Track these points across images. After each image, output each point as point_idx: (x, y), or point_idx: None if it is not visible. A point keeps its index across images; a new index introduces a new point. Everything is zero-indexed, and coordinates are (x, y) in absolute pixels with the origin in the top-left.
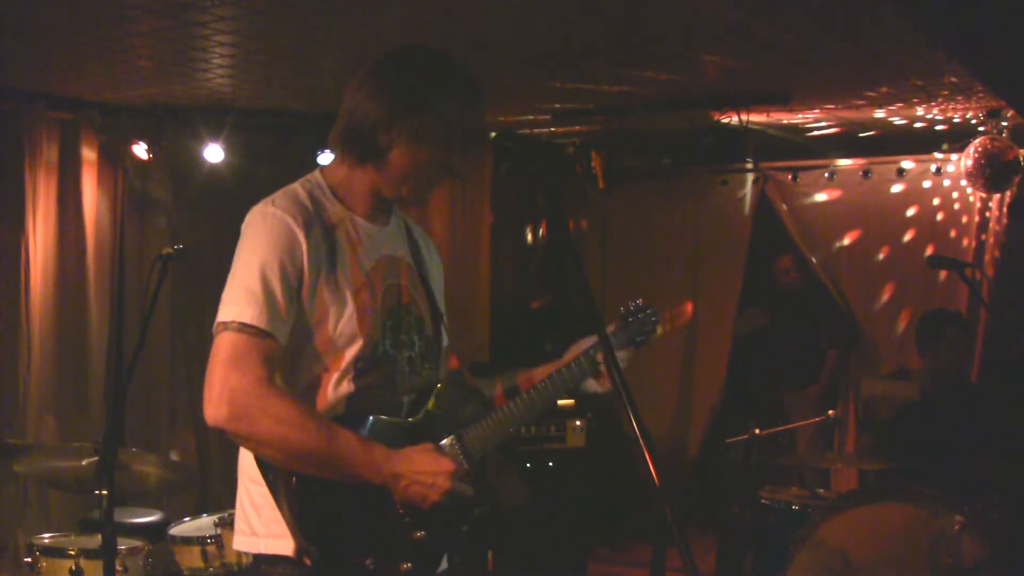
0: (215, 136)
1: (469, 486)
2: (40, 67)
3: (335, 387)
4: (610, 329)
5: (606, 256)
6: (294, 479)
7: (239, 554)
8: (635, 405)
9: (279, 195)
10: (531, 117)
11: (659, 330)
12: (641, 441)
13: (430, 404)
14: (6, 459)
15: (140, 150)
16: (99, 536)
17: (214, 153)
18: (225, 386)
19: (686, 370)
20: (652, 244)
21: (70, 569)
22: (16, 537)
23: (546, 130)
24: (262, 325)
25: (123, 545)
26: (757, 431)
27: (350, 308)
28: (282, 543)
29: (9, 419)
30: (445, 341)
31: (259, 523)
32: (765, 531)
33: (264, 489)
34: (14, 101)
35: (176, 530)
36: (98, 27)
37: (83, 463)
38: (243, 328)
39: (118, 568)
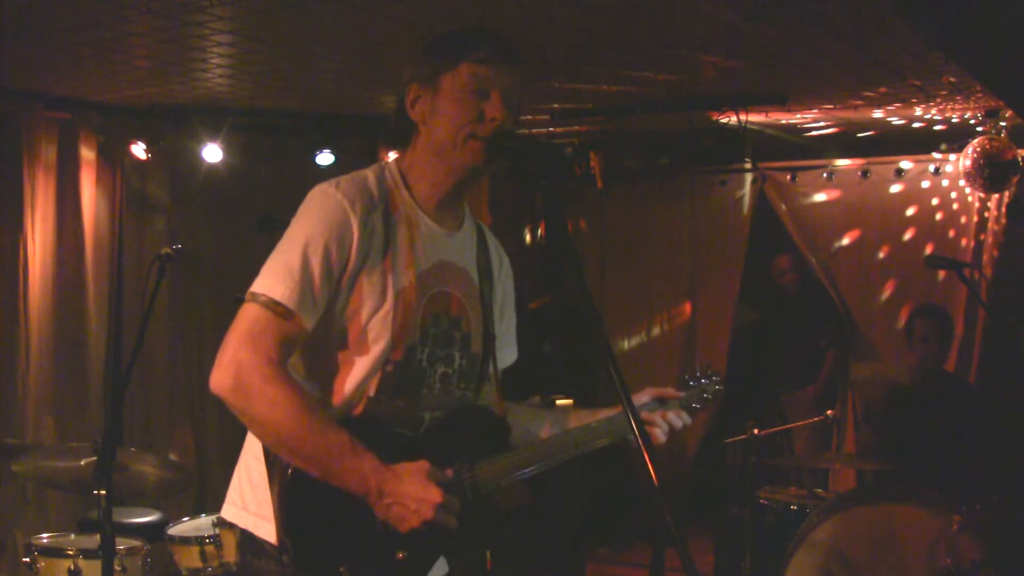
0: (214, 136)
1: (454, 520)
2: (39, 67)
3: (356, 383)
4: (672, 393)
5: (605, 256)
6: (290, 469)
7: (237, 554)
8: (634, 405)
9: (346, 178)
10: (530, 117)
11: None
12: (640, 441)
13: (451, 426)
14: (5, 459)
15: (139, 150)
16: (98, 536)
17: (213, 153)
18: (235, 358)
19: (685, 370)
20: (651, 244)
21: (68, 569)
22: (15, 537)
23: (545, 130)
24: (291, 305)
25: (122, 545)
26: (756, 431)
27: (388, 305)
28: (269, 527)
29: (7, 419)
30: (494, 367)
31: (252, 500)
32: (763, 531)
33: (263, 467)
34: (13, 101)
35: (174, 530)
36: (97, 27)
37: (82, 463)
38: (270, 304)
39: (116, 568)
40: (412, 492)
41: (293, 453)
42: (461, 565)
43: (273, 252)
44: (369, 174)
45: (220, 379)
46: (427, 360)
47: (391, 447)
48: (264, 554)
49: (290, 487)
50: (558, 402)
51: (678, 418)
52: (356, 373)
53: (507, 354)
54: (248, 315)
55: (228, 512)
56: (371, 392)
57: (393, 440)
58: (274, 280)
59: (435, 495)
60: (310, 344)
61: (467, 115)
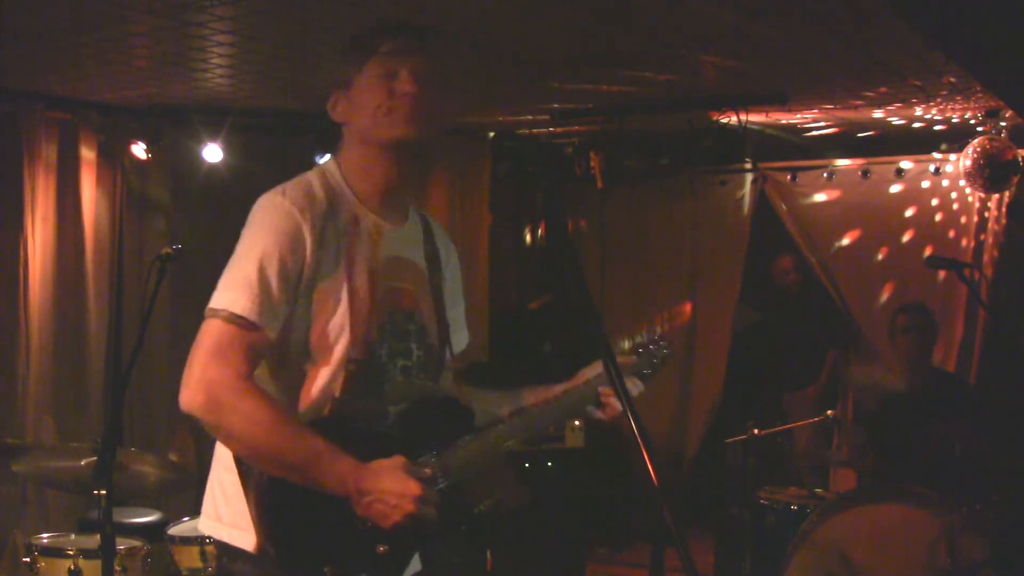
0: (214, 136)
1: (434, 510)
2: (39, 67)
3: (321, 386)
4: (624, 360)
5: (605, 256)
6: (265, 476)
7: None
8: (634, 405)
9: (291, 184)
10: (530, 117)
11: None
12: (640, 441)
13: (417, 416)
14: (5, 459)
15: (139, 150)
16: (98, 536)
17: (213, 153)
18: (204, 375)
19: (685, 370)
20: (651, 244)
21: (69, 569)
22: (15, 537)
23: (545, 130)
24: (253, 317)
25: (122, 545)
26: (756, 431)
27: (344, 307)
28: (245, 536)
29: (8, 419)
30: (450, 353)
31: (226, 511)
32: (763, 531)
33: (235, 478)
34: (13, 101)
35: (175, 530)
36: (97, 27)
37: (82, 463)
38: (232, 318)
39: (117, 568)
40: (391, 488)
41: (272, 464)
42: (437, 550)
43: (228, 266)
44: (313, 178)
45: (191, 397)
46: (387, 356)
47: (361, 445)
48: (241, 558)
49: (267, 494)
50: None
51: (633, 386)
52: (321, 377)
53: (460, 339)
54: (212, 330)
55: (204, 525)
56: (336, 393)
57: (362, 438)
58: (234, 294)
59: (414, 488)
60: (273, 353)
61: (379, 96)
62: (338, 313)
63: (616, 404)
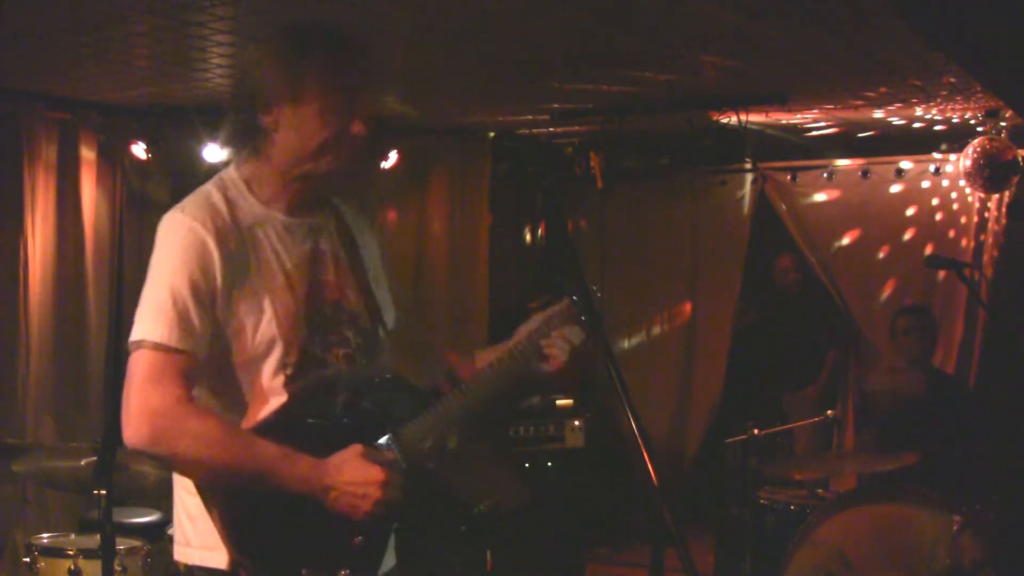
0: (214, 136)
1: (400, 492)
2: (39, 67)
3: (265, 394)
4: (555, 308)
5: (605, 256)
6: (227, 490)
7: None
8: (634, 405)
9: (190, 200)
10: (530, 117)
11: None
12: (640, 441)
13: (365, 402)
14: (5, 459)
15: (139, 150)
16: (98, 536)
17: (213, 153)
18: (144, 407)
19: (685, 370)
20: (651, 244)
21: (69, 569)
22: (15, 537)
23: (545, 130)
24: (174, 343)
25: (122, 545)
26: (756, 431)
27: (268, 314)
28: (216, 555)
29: (8, 419)
30: (385, 332)
31: (193, 534)
32: (763, 531)
33: (198, 500)
34: (13, 101)
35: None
36: (97, 27)
37: (82, 463)
38: (156, 347)
39: (117, 568)
40: (354, 478)
41: (231, 479)
42: (408, 530)
43: (142, 294)
44: (212, 189)
45: (134, 433)
46: (322, 349)
47: (318, 441)
48: None
49: (231, 507)
50: (558, 402)
51: (573, 334)
52: (262, 386)
53: (389, 316)
54: (140, 362)
55: (177, 553)
56: (282, 398)
57: (317, 433)
58: (151, 324)
59: (377, 474)
60: (210, 371)
61: (327, 132)
62: (264, 320)
63: (559, 354)
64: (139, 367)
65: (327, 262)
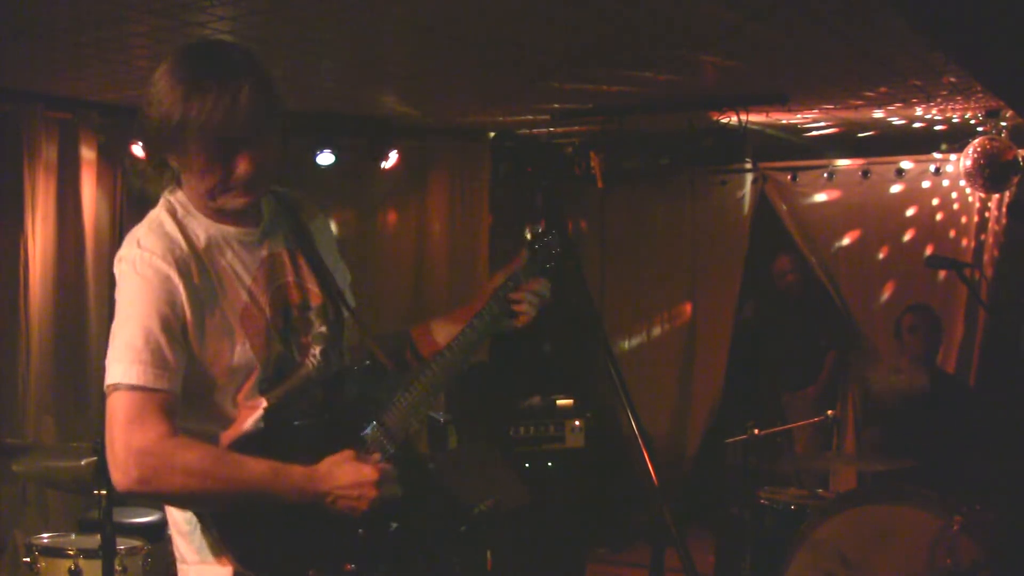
0: None
1: (396, 485)
2: (39, 67)
3: (249, 415)
4: (518, 263)
5: (605, 256)
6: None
7: None
8: (634, 405)
9: (143, 230)
10: (530, 117)
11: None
12: (640, 441)
13: (347, 394)
14: (5, 459)
15: (139, 150)
16: (98, 536)
17: None
18: (129, 448)
19: (685, 370)
20: (651, 244)
21: (69, 569)
22: (15, 537)
23: (545, 130)
24: (149, 383)
25: (122, 545)
26: (756, 431)
27: (240, 335)
28: (216, 569)
29: (8, 419)
30: (348, 314)
31: (188, 550)
32: (763, 531)
33: (189, 515)
34: (13, 101)
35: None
36: (97, 27)
37: (82, 463)
38: (133, 387)
39: (117, 568)
40: (348, 480)
41: (228, 503)
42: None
43: (112, 333)
44: (163, 215)
45: (123, 476)
46: (299, 352)
47: (305, 443)
48: None
49: (228, 520)
50: (558, 402)
51: (541, 287)
52: (243, 402)
53: (349, 297)
54: (119, 404)
55: (181, 571)
56: (265, 409)
57: (303, 434)
58: (126, 367)
59: (370, 474)
60: (193, 402)
61: (215, 174)
62: (237, 342)
63: (529, 309)
64: (119, 409)
65: (285, 264)
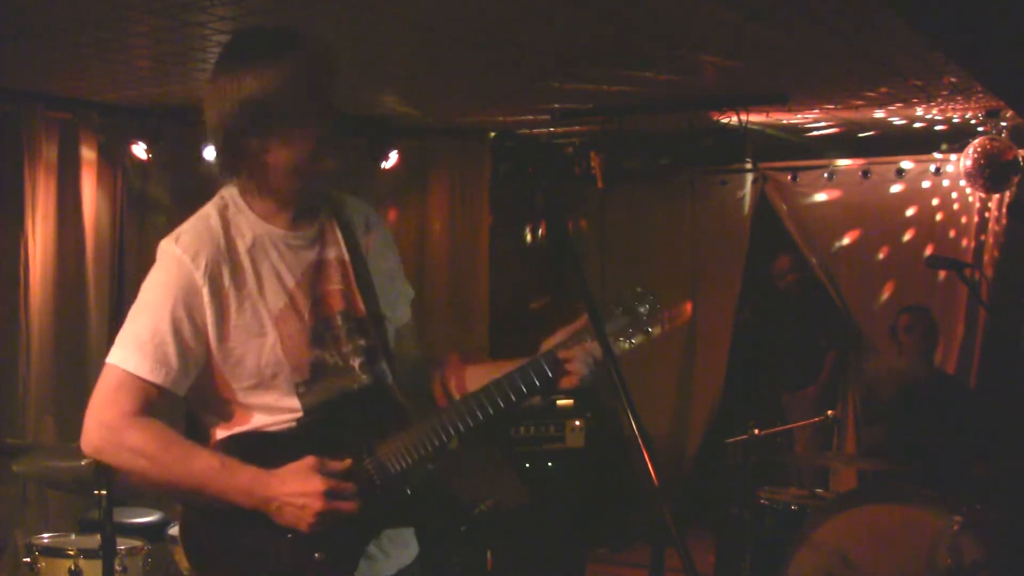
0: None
1: (351, 505)
2: (39, 67)
3: (277, 414)
4: (582, 322)
5: (605, 256)
6: (180, 507)
7: None
8: (634, 405)
9: (187, 227)
10: (530, 117)
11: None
12: (640, 441)
13: (369, 412)
14: (5, 459)
15: (139, 150)
16: (98, 536)
17: (213, 153)
18: (94, 418)
19: (685, 370)
20: (651, 244)
21: (69, 569)
22: (15, 537)
23: (545, 130)
24: (143, 375)
25: (122, 545)
26: (756, 431)
27: (272, 338)
28: None
29: (8, 419)
30: (391, 334)
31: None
32: (763, 531)
33: None
34: (13, 101)
35: (175, 530)
36: (97, 27)
37: (82, 463)
38: (124, 370)
39: (117, 568)
40: (295, 489)
41: (173, 491)
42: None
43: (129, 316)
44: (211, 211)
45: (86, 442)
46: (339, 359)
47: (294, 453)
48: None
49: (188, 522)
50: (558, 402)
51: (598, 350)
52: (272, 406)
53: (402, 311)
54: (105, 378)
55: None
56: (298, 414)
57: (293, 445)
58: (126, 352)
59: (316, 485)
60: (216, 395)
61: (313, 137)
62: (268, 346)
63: (580, 368)
64: (102, 382)
65: (332, 271)
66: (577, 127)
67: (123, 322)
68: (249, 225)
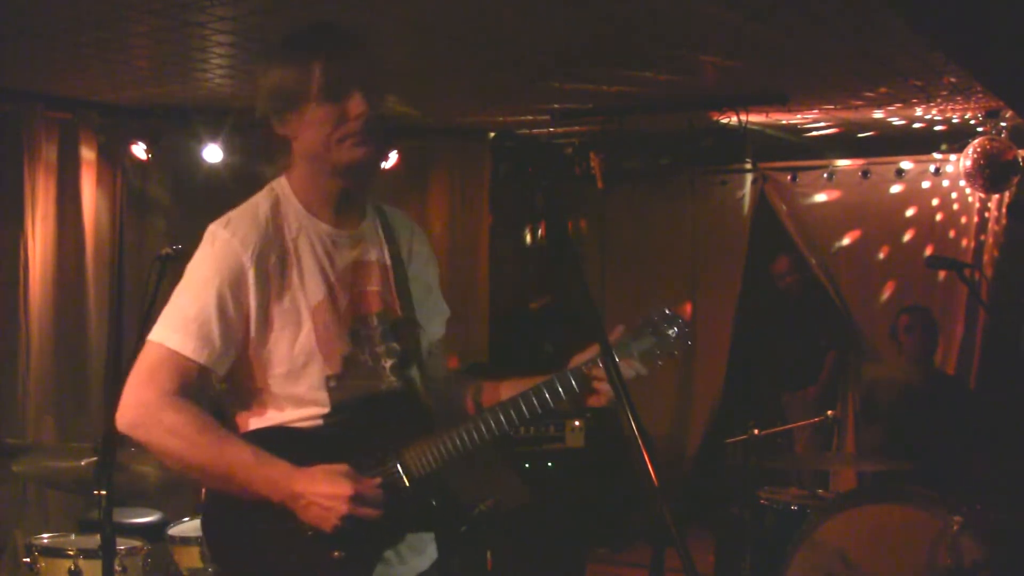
0: (214, 136)
1: (374, 511)
2: (39, 67)
3: (305, 404)
4: (618, 333)
5: (605, 257)
6: (204, 492)
7: None
8: (634, 405)
9: (237, 213)
10: (530, 117)
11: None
12: (640, 441)
13: (375, 418)
14: (5, 459)
15: (139, 150)
16: (98, 536)
17: (213, 153)
18: (131, 396)
19: (685, 370)
20: (651, 245)
21: (69, 569)
22: (15, 537)
23: (545, 130)
24: (187, 353)
25: (122, 545)
26: (756, 431)
27: (307, 327)
28: None
29: (8, 419)
30: (424, 344)
31: None
32: (763, 531)
33: None
34: (13, 101)
35: (175, 530)
36: (97, 27)
37: (82, 463)
38: (167, 348)
39: (117, 568)
40: (323, 490)
41: (202, 475)
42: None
43: (173, 296)
44: (260, 201)
45: (121, 417)
46: (371, 359)
47: (342, 451)
48: None
49: (208, 510)
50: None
51: (628, 368)
52: (301, 396)
53: (437, 326)
54: (146, 354)
55: None
56: (322, 408)
57: (323, 443)
58: (169, 330)
59: (345, 489)
60: (247, 383)
61: (332, 118)
62: (302, 335)
63: (607, 389)
64: (144, 359)
65: (372, 272)
66: (577, 127)
67: (123, 322)
68: (296, 217)
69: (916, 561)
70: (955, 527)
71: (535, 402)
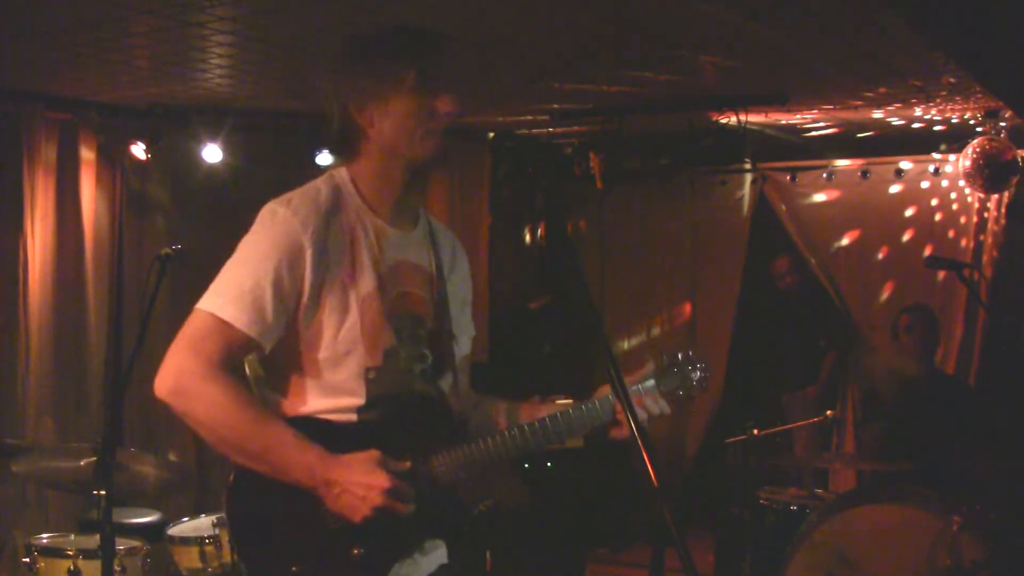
0: (213, 136)
1: (407, 507)
2: (39, 67)
3: (341, 393)
4: (648, 368)
5: (605, 257)
6: (232, 474)
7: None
8: (633, 406)
9: (298, 194)
10: (530, 117)
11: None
12: (639, 441)
13: (407, 419)
14: (5, 459)
15: (138, 150)
16: (97, 536)
17: (212, 153)
18: (175, 362)
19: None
20: (651, 245)
21: (68, 569)
22: (14, 537)
23: (545, 131)
24: (239, 326)
25: (121, 545)
26: (756, 432)
27: (354, 315)
28: None
29: (8, 419)
30: (457, 356)
31: None
32: (763, 531)
33: None
34: (13, 101)
35: (174, 530)
36: (97, 27)
37: (81, 463)
38: (216, 317)
39: (116, 568)
40: (359, 479)
41: (237, 451)
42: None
43: (225, 267)
44: (321, 185)
45: (161, 383)
46: (406, 361)
47: (368, 445)
48: None
49: (234, 490)
50: (557, 402)
51: (655, 404)
52: (339, 384)
53: (467, 343)
54: (193, 322)
55: None
56: (357, 399)
57: (369, 439)
58: (223, 300)
59: (382, 480)
60: (285, 367)
61: (421, 113)
62: (348, 322)
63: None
64: (190, 326)
65: (419, 276)
66: (577, 127)
67: (122, 322)
68: (353, 206)
69: (916, 561)
70: (955, 527)
71: (564, 428)
